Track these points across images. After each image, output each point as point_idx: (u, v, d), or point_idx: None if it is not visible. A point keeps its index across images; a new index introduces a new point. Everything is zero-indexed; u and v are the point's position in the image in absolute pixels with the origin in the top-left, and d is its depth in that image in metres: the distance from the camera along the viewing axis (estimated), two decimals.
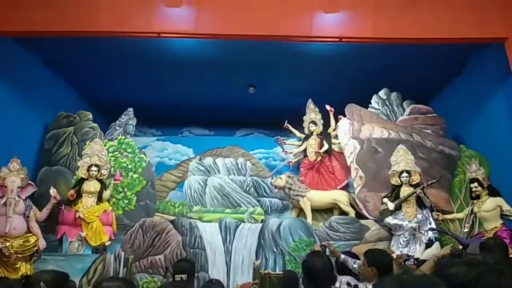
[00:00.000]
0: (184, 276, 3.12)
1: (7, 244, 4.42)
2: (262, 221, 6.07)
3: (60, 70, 6.72)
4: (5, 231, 4.45)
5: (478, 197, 5.00)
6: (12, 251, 4.42)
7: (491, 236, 4.56)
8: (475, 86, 6.27)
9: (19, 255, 4.48)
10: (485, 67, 6.01)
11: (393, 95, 6.72)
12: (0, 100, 5.48)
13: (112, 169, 5.96)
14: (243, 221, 5.99)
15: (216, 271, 5.24)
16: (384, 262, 2.59)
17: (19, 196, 4.67)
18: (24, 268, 4.45)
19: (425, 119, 6.50)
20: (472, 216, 5.03)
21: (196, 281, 4.92)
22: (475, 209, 4.98)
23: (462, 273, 1.07)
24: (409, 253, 5.01)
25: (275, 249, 5.32)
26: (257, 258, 5.23)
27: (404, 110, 6.63)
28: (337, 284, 3.04)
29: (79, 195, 5.36)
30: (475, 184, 5.01)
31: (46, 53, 6.19)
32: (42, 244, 4.72)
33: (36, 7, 5.16)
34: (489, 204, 4.87)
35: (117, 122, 6.76)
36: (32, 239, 4.63)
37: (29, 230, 4.70)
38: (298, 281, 3.12)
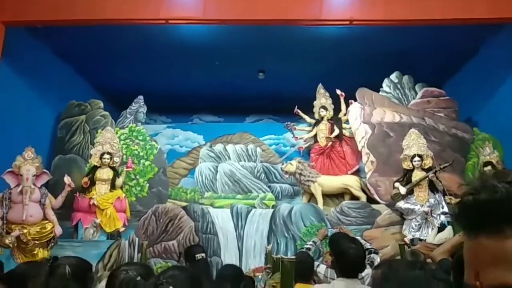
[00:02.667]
0: (203, 255, 3.22)
1: (25, 231, 4.54)
2: (273, 206, 6.11)
3: (70, 59, 6.75)
4: (22, 219, 4.55)
5: None
6: (29, 238, 4.54)
7: None
8: (489, 68, 6.13)
9: (36, 242, 4.60)
10: (498, 49, 5.87)
11: (405, 78, 6.62)
12: (13, 90, 5.55)
13: (124, 156, 6.02)
14: (254, 207, 6.04)
15: (228, 256, 5.31)
16: (337, 247, 2.48)
17: (34, 184, 4.76)
18: (42, 254, 4.57)
19: (437, 102, 6.40)
20: None
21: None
22: None
23: None
24: (421, 237, 5.02)
25: (286, 234, 5.37)
26: (268, 243, 5.28)
27: (416, 93, 6.54)
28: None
29: (92, 182, 5.44)
30: (489, 167, 4.96)
31: (57, 43, 6.22)
32: (58, 230, 4.83)
33: None
34: None
35: (128, 110, 6.80)
36: (49, 226, 4.74)
37: (45, 217, 4.80)
38: (313, 264, 3.13)
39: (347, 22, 5.25)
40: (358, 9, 5.21)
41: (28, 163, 4.76)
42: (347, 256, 2.38)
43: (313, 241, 3.79)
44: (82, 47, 6.32)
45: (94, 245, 4.97)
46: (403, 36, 5.92)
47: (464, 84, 6.78)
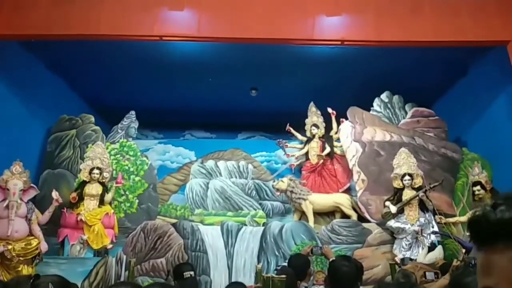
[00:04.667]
0: (192, 273, 3.17)
1: (9, 247, 4.43)
2: (264, 224, 6.06)
3: (62, 74, 6.73)
4: (7, 234, 4.45)
5: (481, 200, 4.99)
6: (14, 254, 4.43)
7: None
8: (478, 89, 6.26)
9: (21, 258, 4.49)
10: (487, 70, 6.00)
11: (395, 98, 6.71)
12: (3, 103, 5.50)
13: (114, 172, 5.96)
14: (245, 224, 5.99)
15: (218, 274, 5.23)
16: (330, 264, 2.58)
17: (21, 199, 4.67)
18: (26, 271, 4.45)
19: (427, 122, 6.48)
20: None
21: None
22: None
23: (476, 281, 1.06)
24: (412, 257, 5.01)
25: (277, 253, 5.31)
26: (259, 261, 5.22)
27: (406, 113, 6.62)
28: None
29: (81, 198, 5.36)
30: (478, 187, 5.00)
31: (49, 57, 6.21)
32: (44, 247, 4.72)
33: (39, 11, 5.18)
34: None
35: (119, 125, 6.76)
36: (34, 242, 4.63)
37: (31, 233, 4.70)
38: (295, 281, 3.09)
39: (339, 42, 5.34)
40: (350, 30, 5.31)
41: (16, 177, 4.69)
42: (339, 273, 2.37)
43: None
44: (74, 61, 6.32)
45: (80, 262, 4.85)
46: (394, 57, 6.03)
47: (453, 105, 6.89)
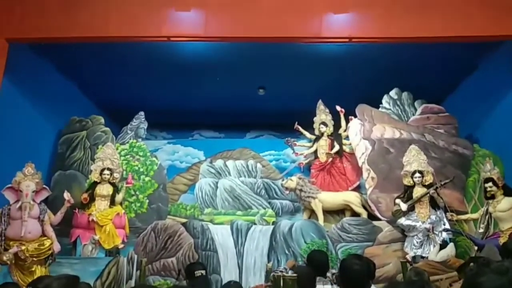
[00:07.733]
0: (203, 272, 3.19)
1: (23, 247, 4.47)
2: (273, 223, 6.07)
3: (72, 76, 6.80)
4: (20, 235, 4.49)
5: (493, 197, 4.93)
6: (27, 255, 4.48)
7: (507, 236, 4.49)
8: (488, 84, 6.17)
9: (34, 259, 4.53)
10: (498, 65, 5.91)
11: (404, 95, 6.66)
12: (14, 106, 5.57)
13: (124, 172, 6.01)
14: (255, 223, 6.00)
15: (228, 273, 5.25)
16: (342, 262, 2.57)
17: (33, 200, 4.71)
18: (40, 272, 4.50)
19: (437, 118, 6.42)
20: (487, 216, 4.95)
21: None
22: (490, 209, 4.91)
23: (490, 281, 1.07)
24: (423, 254, 4.97)
25: (287, 251, 5.31)
26: (269, 260, 5.23)
27: (415, 110, 6.57)
28: None
29: (92, 198, 5.41)
30: (490, 183, 4.93)
31: (59, 59, 6.27)
32: (57, 247, 4.77)
33: (49, 14, 5.24)
34: (504, 204, 4.79)
35: (129, 126, 6.82)
36: (47, 243, 4.68)
37: (43, 234, 4.74)
38: (314, 279, 3.08)
39: (346, 40, 5.32)
40: (357, 27, 5.28)
41: (28, 179, 4.73)
42: (351, 272, 2.36)
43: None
44: (84, 63, 6.38)
45: (92, 262, 4.90)
46: (402, 53, 5.98)
47: (463, 101, 6.81)
